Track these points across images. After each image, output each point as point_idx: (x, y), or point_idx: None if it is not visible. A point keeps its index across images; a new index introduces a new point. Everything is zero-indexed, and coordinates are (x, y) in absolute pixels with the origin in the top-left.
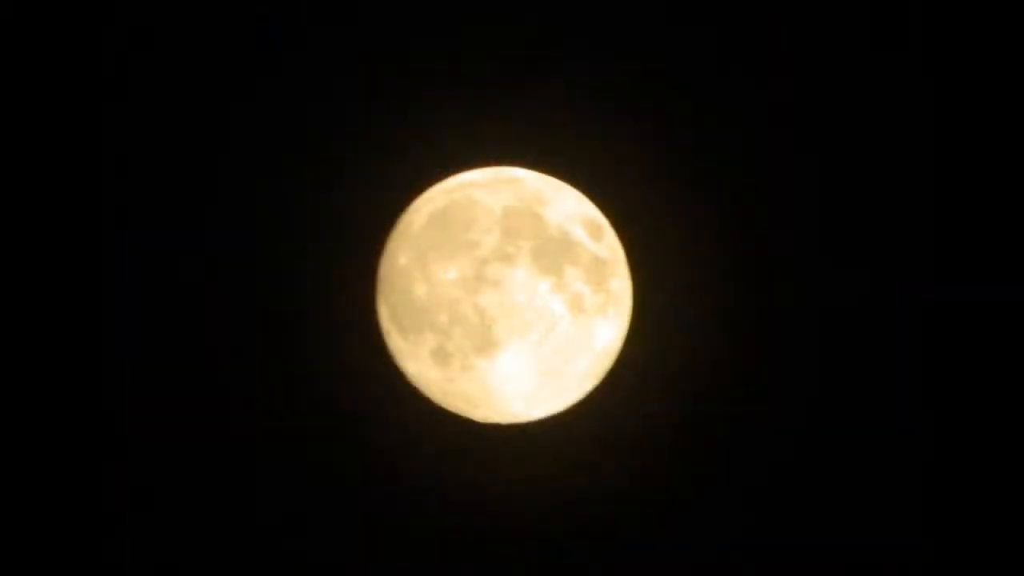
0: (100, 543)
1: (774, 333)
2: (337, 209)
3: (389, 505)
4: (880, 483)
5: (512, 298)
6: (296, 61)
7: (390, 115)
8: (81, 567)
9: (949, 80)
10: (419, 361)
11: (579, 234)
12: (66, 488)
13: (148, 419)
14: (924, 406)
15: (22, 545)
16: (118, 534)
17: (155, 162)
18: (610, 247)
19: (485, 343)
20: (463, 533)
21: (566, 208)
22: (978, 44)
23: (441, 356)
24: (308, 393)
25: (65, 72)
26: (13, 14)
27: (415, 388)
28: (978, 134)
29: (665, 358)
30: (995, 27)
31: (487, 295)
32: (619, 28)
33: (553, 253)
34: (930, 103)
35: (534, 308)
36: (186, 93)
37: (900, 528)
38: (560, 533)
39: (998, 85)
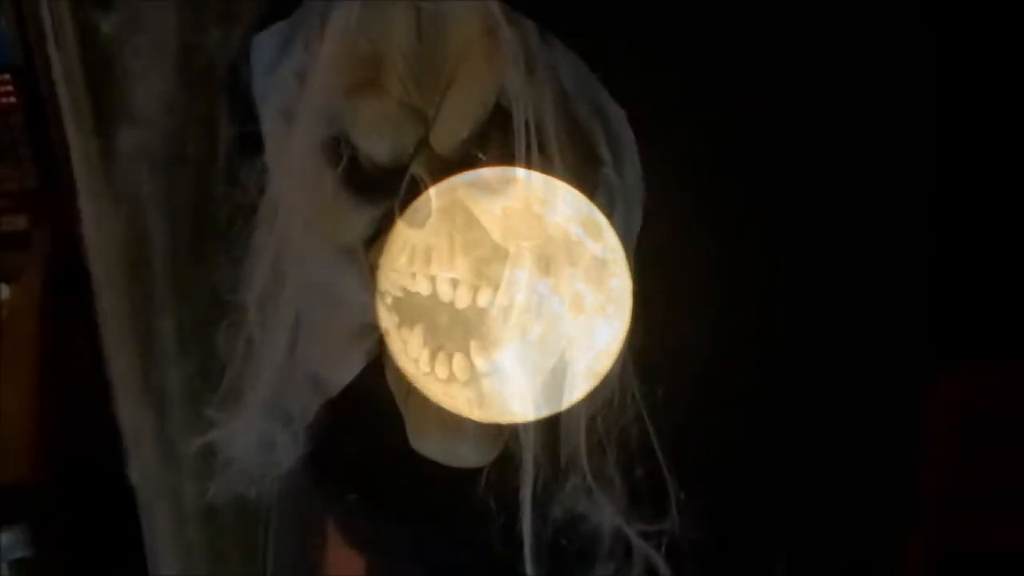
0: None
1: (774, 333)
2: None
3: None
4: (880, 483)
5: (512, 298)
6: None
7: None
8: None
9: (950, 79)
10: (419, 361)
11: (579, 234)
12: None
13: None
14: (924, 405)
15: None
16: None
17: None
18: (610, 247)
19: (485, 343)
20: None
21: (566, 208)
22: (980, 44)
23: (441, 356)
24: None
25: None
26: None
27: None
28: (979, 133)
29: (665, 358)
30: (996, 27)
31: (487, 295)
32: (619, 28)
33: (553, 253)
34: (930, 103)
35: (534, 308)
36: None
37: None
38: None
39: (999, 85)
